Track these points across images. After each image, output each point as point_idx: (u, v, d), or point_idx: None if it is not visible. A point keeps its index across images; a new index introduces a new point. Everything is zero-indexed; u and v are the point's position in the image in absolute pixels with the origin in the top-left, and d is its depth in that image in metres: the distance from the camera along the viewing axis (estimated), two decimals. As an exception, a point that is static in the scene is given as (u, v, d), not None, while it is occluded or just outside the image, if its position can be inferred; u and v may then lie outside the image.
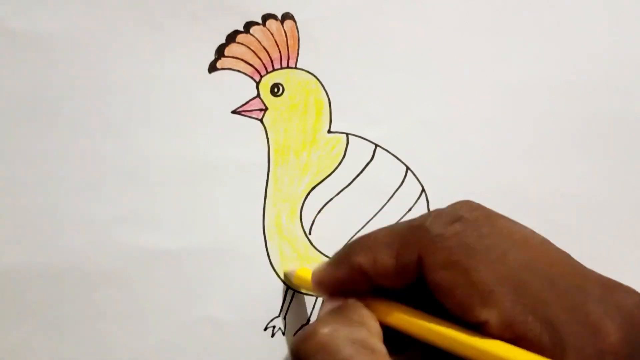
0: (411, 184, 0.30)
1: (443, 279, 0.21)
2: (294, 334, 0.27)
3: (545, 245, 0.22)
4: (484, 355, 0.20)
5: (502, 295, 0.20)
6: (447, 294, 0.21)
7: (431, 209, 0.30)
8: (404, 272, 0.22)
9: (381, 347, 0.21)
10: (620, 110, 0.31)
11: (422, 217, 0.23)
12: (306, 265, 0.28)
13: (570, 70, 0.31)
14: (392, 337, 0.22)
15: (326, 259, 0.26)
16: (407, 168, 0.30)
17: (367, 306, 0.23)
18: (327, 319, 0.22)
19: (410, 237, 0.22)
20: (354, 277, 0.23)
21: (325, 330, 0.21)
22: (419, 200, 0.30)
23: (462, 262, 0.21)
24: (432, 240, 0.21)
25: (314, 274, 0.25)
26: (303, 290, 0.29)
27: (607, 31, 0.31)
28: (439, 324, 0.22)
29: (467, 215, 0.22)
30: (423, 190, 0.30)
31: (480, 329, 0.21)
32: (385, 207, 0.30)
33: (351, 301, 0.24)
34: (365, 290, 0.24)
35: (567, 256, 0.22)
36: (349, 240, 0.29)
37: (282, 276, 0.29)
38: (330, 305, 0.24)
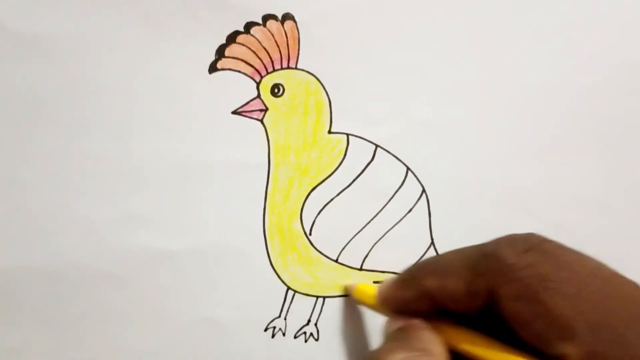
0: (412, 184, 0.30)
1: (519, 310, 0.21)
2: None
3: (616, 278, 0.21)
4: None
5: (581, 330, 0.20)
6: (523, 326, 0.21)
7: (432, 209, 0.30)
8: (473, 299, 0.22)
9: None
10: (620, 110, 0.31)
11: (494, 243, 0.22)
12: (366, 282, 0.29)
13: (572, 71, 0.31)
14: None
15: (391, 276, 0.26)
16: (408, 168, 0.30)
17: (434, 328, 0.23)
18: (392, 346, 0.23)
19: (482, 264, 0.22)
20: (421, 299, 0.23)
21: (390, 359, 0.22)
22: (419, 201, 0.30)
23: (539, 294, 0.20)
24: (505, 270, 0.21)
25: (379, 291, 0.26)
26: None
27: (608, 32, 0.31)
28: (513, 353, 0.21)
29: (539, 245, 0.21)
30: (424, 190, 0.30)
31: None
32: (385, 208, 0.29)
33: (417, 323, 0.24)
34: (431, 312, 0.24)
35: (637, 288, 0.21)
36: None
37: (282, 276, 0.29)
38: (395, 324, 0.24)
